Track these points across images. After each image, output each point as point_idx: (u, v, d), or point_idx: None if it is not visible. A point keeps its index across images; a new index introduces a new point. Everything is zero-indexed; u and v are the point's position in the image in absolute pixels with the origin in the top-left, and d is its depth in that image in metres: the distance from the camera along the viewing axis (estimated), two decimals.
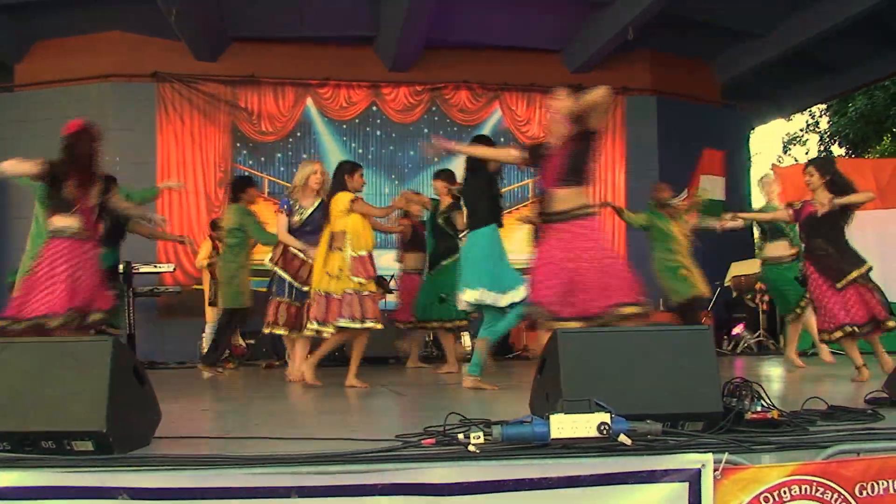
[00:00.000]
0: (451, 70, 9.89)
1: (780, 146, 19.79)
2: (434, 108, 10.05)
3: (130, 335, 7.39)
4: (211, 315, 7.84)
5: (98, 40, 9.29)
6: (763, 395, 2.59)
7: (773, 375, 5.69)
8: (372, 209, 5.22)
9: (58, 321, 3.91)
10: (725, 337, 9.08)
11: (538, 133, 9.55)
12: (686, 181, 8.90)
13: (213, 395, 4.98)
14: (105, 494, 1.84)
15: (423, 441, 2.25)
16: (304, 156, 9.45)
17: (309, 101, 9.90)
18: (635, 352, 2.47)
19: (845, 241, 4.86)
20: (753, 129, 13.40)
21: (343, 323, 4.73)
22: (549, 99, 3.99)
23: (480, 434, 2.06)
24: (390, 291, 7.59)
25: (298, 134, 9.90)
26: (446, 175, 6.06)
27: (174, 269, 8.61)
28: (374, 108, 9.89)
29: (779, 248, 5.99)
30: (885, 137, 16.68)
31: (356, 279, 4.76)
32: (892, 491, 2.07)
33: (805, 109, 15.71)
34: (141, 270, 7.98)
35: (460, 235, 5.60)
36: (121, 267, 6.39)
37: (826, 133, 18.04)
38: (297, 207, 5.34)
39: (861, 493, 2.05)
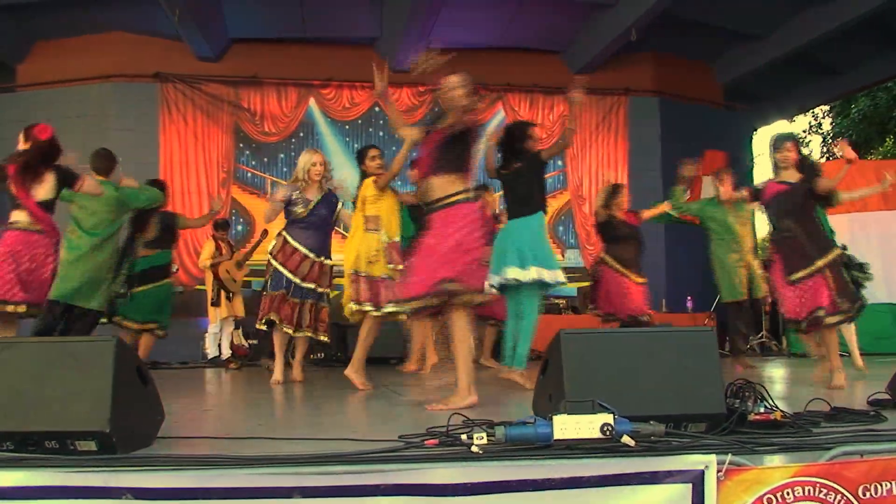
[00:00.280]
0: (453, 71, 9.88)
1: None
2: (437, 109, 10.03)
3: None
4: (214, 315, 7.84)
5: (99, 40, 9.31)
6: (766, 396, 2.60)
7: (775, 377, 5.69)
8: (392, 167, 4.98)
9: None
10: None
11: (541, 134, 9.55)
12: (688, 182, 8.87)
13: (215, 395, 4.99)
14: (108, 494, 1.84)
15: (425, 441, 2.25)
16: None
17: (312, 102, 9.93)
18: (638, 353, 2.48)
19: (816, 225, 4.56)
20: (756, 130, 13.40)
21: (391, 308, 4.74)
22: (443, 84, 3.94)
23: (483, 435, 2.06)
24: None
25: (301, 134, 9.93)
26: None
27: (177, 269, 8.59)
28: (377, 108, 9.90)
29: None
30: (888, 139, 16.66)
31: (390, 266, 4.86)
32: (895, 492, 2.07)
33: (807, 111, 15.69)
34: None
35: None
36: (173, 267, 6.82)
37: (829, 134, 18.03)
38: (301, 199, 5.11)
39: (864, 495, 2.05)
